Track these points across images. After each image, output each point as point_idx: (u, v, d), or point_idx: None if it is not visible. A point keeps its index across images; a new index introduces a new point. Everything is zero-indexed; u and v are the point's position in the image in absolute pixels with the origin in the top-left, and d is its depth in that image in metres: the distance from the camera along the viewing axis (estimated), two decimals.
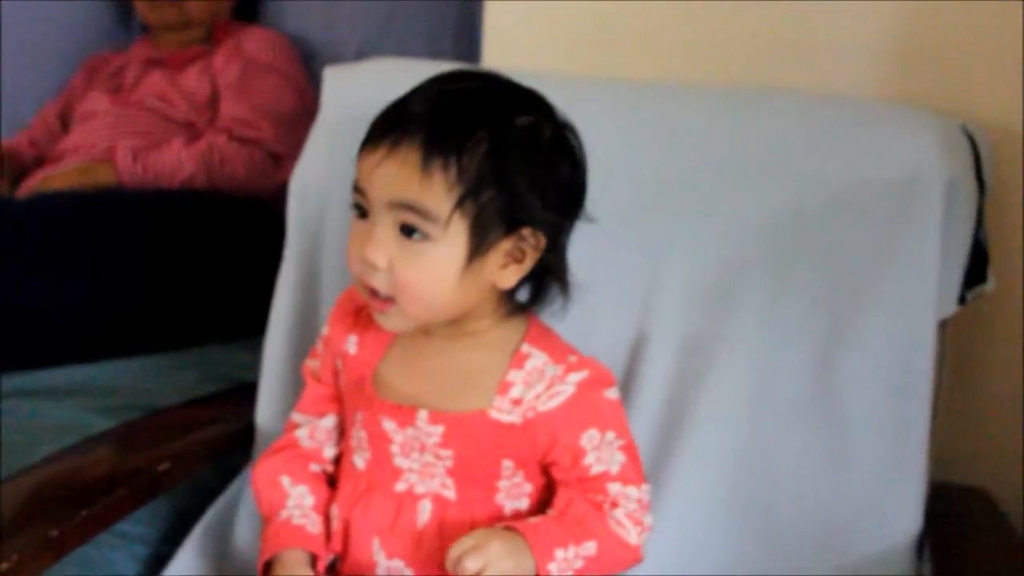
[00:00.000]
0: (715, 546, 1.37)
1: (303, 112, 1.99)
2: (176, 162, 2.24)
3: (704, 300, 1.39)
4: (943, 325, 1.38)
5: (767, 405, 1.37)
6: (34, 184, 2.33)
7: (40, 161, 2.51)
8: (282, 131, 2.24)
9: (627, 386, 1.39)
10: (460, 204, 1.11)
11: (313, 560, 1.24)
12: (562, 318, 1.24)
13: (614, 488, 1.20)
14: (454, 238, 1.13)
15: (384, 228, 1.13)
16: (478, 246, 1.14)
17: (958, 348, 1.47)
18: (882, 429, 1.35)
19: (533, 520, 1.17)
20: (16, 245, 1.95)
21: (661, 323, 1.40)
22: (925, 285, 1.34)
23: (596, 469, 1.20)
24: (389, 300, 1.16)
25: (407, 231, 1.12)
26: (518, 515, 1.21)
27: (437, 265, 1.13)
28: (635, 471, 1.22)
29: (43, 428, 1.66)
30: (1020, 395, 1.58)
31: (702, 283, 1.39)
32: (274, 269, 1.56)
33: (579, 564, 1.15)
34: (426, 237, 1.12)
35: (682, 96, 1.49)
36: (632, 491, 1.21)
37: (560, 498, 1.20)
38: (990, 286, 1.43)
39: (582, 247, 1.26)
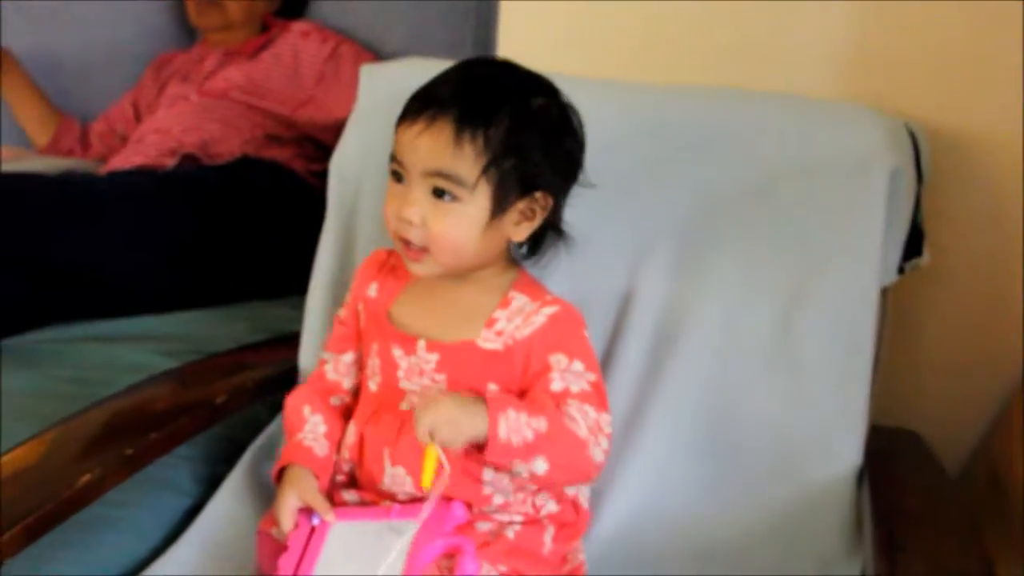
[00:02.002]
0: (689, 478, 1.37)
1: None
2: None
3: (682, 264, 1.38)
4: (885, 292, 1.37)
5: (734, 356, 1.36)
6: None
7: (121, 142, 2.51)
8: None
9: (614, 338, 1.38)
10: (486, 171, 1.15)
11: (316, 477, 1.26)
12: (571, 278, 1.28)
13: (573, 403, 1.18)
14: (479, 199, 1.16)
15: (419, 191, 1.17)
16: (499, 206, 1.17)
17: (897, 312, 1.46)
18: (831, 378, 1.34)
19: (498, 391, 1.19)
20: (100, 215, 1.94)
21: (646, 283, 1.39)
22: (870, 257, 1.34)
23: (557, 386, 1.20)
24: (423, 250, 1.19)
25: (439, 193, 1.16)
26: None
27: (465, 222, 1.17)
28: (597, 399, 1.20)
29: (118, 367, 1.66)
30: (946, 352, 1.58)
31: (682, 249, 1.38)
32: (315, 237, 1.55)
33: (529, 434, 1.13)
34: (455, 199, 1.16)
35: (669, 92, 1.48)
36: (590, 410, 1.18)
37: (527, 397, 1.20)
38: (925, 259, 1.42)
39: (584, 213, 1.28)
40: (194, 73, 2.48)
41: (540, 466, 1.15)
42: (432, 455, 1.12)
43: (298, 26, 2.48)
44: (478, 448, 1.14)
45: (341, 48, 2.41)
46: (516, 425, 1.13)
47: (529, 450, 1.13)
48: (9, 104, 2.55)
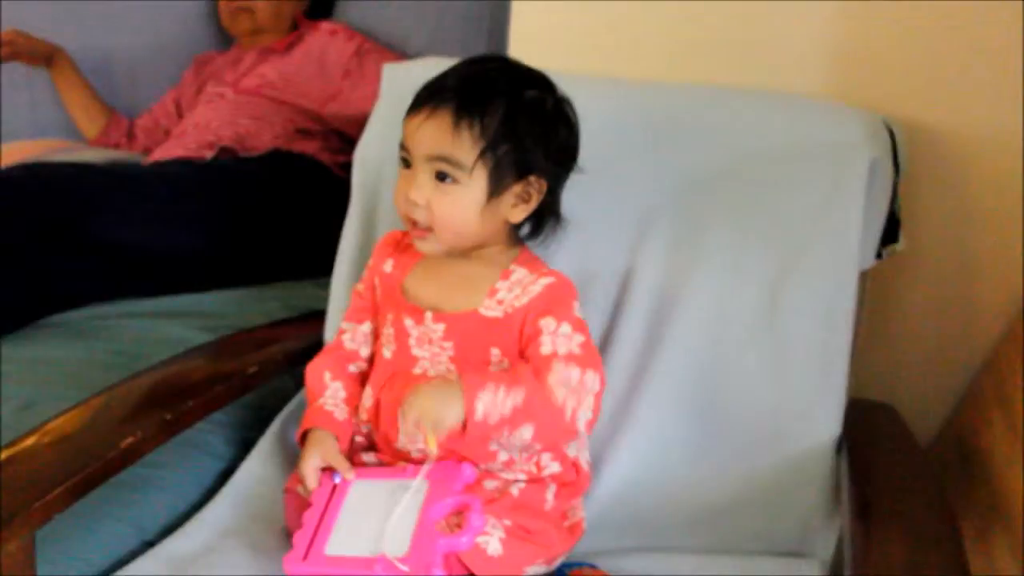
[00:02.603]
0: (682, 443, 1.37)
1: None
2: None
3: (677, 246, 1.39)
4: (863, 275, 1.38)
5: (724, 333, 1.36)
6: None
7: (165, 136, 2.52)
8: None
9: (616, 316, 1.39)
10: (482, 155, 1.18)
11: (337, 439, 1.28)
12: (573, 259, 1.29)
13: (557, 365, 1.19)
14: (477, 182, 1.19)
15: (423, 175, 1.20)
16: (495, 188, 1.20)
17: (874, 294, 1.47)
18: (813, 353, 1.35)
19: (478, 370, 1.19)
20: (145, 201, 1.96)
21: (643, 264, 1.39)
22: (850, 242, 1.34)
23: (544, 350, 1.21)
24: (428, 229, 1.22)
25: (441, 176, 1.19)
26: None
27: (464, 203, 1.20)
28: (585, 360, 1.20)
29: (159, 342, 1.68)
30: (919, 332, 1.58)
31: (676, 232, 1.39)
32: (340, 222, 1.57)
33: (507, 409, 1.14)
34: (455, 181, 1.19)
35: (663, 89, 1.49)
36: (574, 369, 1.19)
37: (509, 367, 1.21)
38: (901, 245, 1.43)
39: (586, 198, 1.31)
40: (230, 72, 2.49)
41: (525, 433, 1.17)
42: (431, 437, 1.15)
43: (326, 26, 2.49)
44: (463, 427, 1.15)
45: (365, 46, 2.42)
46: (493, 403, 1.14)
47: (508, 423, 1.15)
48: (63, 98, 2.57)
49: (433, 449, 1.15)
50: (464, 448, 1.21)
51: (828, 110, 1.43)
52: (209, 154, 2.24)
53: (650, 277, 1.39)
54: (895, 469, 1.32)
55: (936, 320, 1.57)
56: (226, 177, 2.12)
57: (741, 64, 1.55)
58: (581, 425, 1.19)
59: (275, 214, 2.11)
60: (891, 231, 1.40)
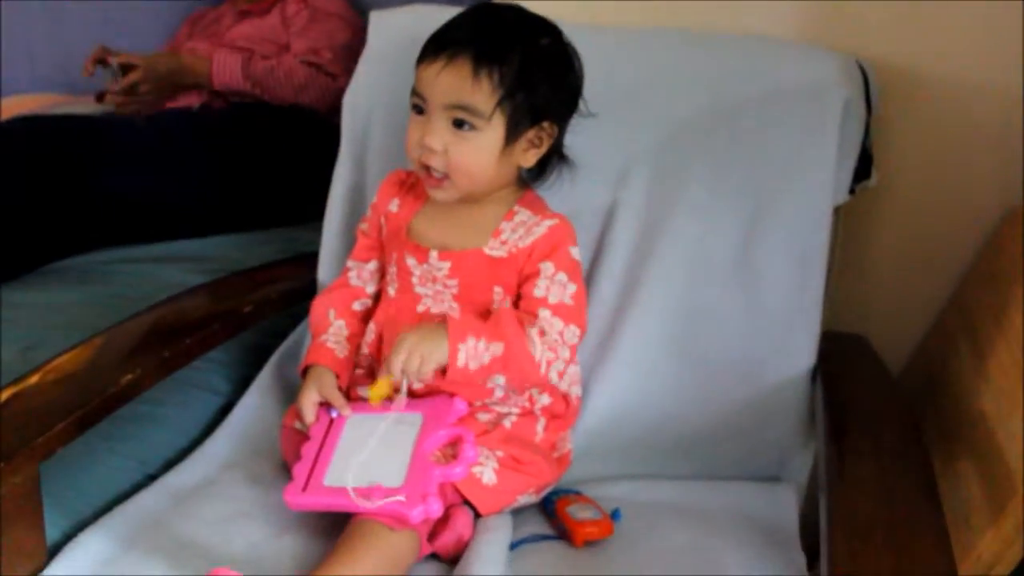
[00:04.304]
0: (661, 377, 1.36)
1: (356, 44, 1.93)
2: (254, 64, 2.20)
3: (657, 184, 1.37)
4: (837, 210, 1.37)
5: (704, 268, 1.35)
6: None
7: None
8: (337, 57, 2.19)
9: (599, 251, 1.38)
10: (500, 103, 1.17)
11: (336, 376, 1.27)
12: (560, 193, 1.29)
13: (544, 313, 1.20)
14: (495, 129, 1.18)
15: (440, 121, 1.18)
16: (511, 134, 1.19)
17: (847, 228, 1.46)
18: (789, 288, 1.34)
19: (465, 318, 1.19)
20: (140, 150, 1.94)
21: (627, 201, 1.38)
22: (824, 179, 1.33)
23: (537, 292, 1.22)
24: (444, 177, 1.20)
25: (458, 124, 1.18)
26: None
27: (482, 149, 1.18)
28: (571, 313, 1.22)
29: (159, 285, 1.66)
30: (891, 266, 1.57)
31: (657, 171, 1.38)
32: (331, 167, 1.54)
33: (486, 358, 1.15)
34: (473, 128, 1.18)
35: (645, 34, 1.46)
36: (557, 323, 1.20)
37: (495, 313, 1.20)
38: (873, 181, 1.42)
39: (571, 139, 1.29)
40: (213, 28, 2.46)
41: (498, 380, 1.18)
42: (386, 382, 1.17)
43: None
44: (442, 371, 1.15)
45: (317, 15, 2.39)
46: (475, 352, 1.15)
47: (485, 371, 1.16)
48: None
49: (376, 397, 1.19)
50: (452, 387, 1.21)
51: (802, 52, 1.41)
52: (196, 102, 2.21)
53: (631, 216, 1.38)
54: (867, 397, 1.32)
55: (906, 254, 1.56)
56: (219, 125, 2.10)
57: (716, 8, 1.52)
58: (553, 376, 1.21)
59: (265, 160, 2.08)
60: (863, 167, 1.38)
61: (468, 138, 1.17)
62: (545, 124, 1.21)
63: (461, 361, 1.14)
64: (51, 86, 2.58)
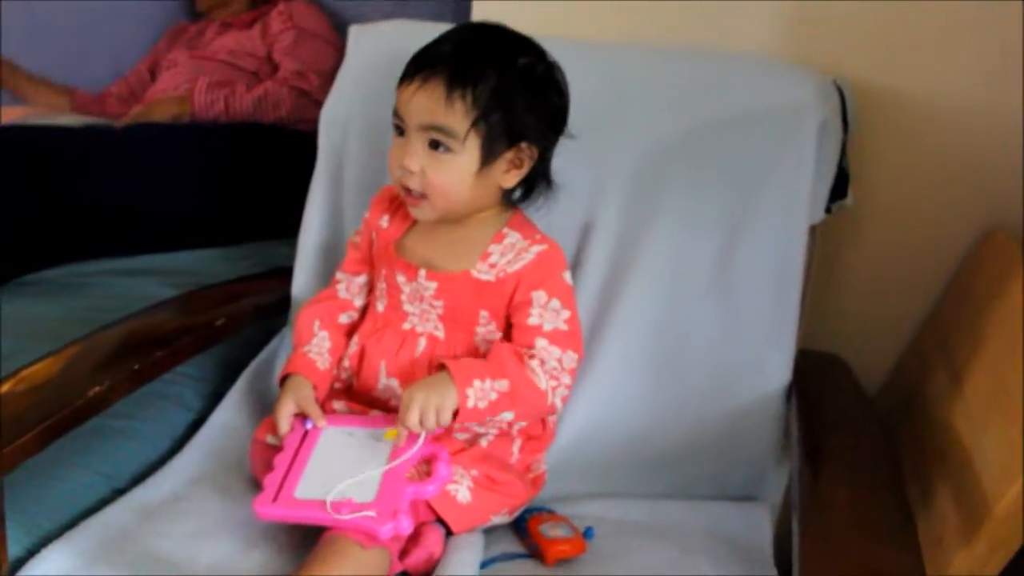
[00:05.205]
0: (636, 395, 1.36)
1: (339, 65, 1.96)
2: (238, 101, 2.21)
3: (634, 201, 1.37)
4: (813, 229, 1.36)
5: (680, 287, 1.35)
6: (132, 114, 2.30)
7: (139, 101, 2.47)
8: (325, 82, 2.19)
9: (575, 269, 1.37)
10: (475, 124, 1.15)
11: (315, 388, 1.27)
12: (546, 212, 1.27)
13: (540, 343, 1.20)
14: (470, 150, 1.16)
15: (417, 143, 1.17)
16: (488, 156, 1.17)
17: (824, 247, 1.45)
18: (765, 306, 1.34)
19: (463, 359, 1.18)
20: (116, 161, 1.93)
21: (603, 218, 1.37)
22: (801, 197, 1.33)
23: (531, 322, 1.21)
24: (422, 197, 1.19)
25: (434, 145, 1.16)
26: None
27: (457, 171, 1.17)
28: (567, 339, 1.21)
29: (133, 298, 1.62)
30: (867, 285, 1.57)
31: (634, 188, 1.37)
32: (307, 182, 1.53)
33: (494, 396, 1.15)
34: (449, 150, 1.16)
35: (622, 51, 1.46)
36: (555, 350, 1.20)
37: (492, 347, 1.20)
38: (849, 200, 1.42)
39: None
40: (196, 42, 2.47)
41: (506, 416, 1.17)
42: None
43: (284, 7, 2.44)
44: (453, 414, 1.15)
45: (302, 36, 2.39)
46: (482, 392, 1.14)
47: (494, 407, 1.15)
48: (23, 98, 2.51)
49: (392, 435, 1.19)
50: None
51: (780, 71, 1.40)
52: None
53: (607, 234, 1.37)
54: (842, 416, 1.32)
55: (882, 273, 1.56)
56: (196, 139, 2.10)
57: (694, 26, 1.53)
58: (559, 403, 1.20)
59: (241, 174, 2.07)
60: (840, 187, 1.38)
61: (444, 160, 1.16)
62: (524, 145, 1.19)
63: (471, 402, 1.14)
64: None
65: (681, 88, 1.38)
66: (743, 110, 1.35)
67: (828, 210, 1.38)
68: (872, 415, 1.33)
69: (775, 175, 1.33)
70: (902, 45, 1.46)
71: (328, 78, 2.16)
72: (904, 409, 1.45)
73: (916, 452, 1.36)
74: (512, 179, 1.21)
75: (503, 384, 1.15)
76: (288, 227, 1.61)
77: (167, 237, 1.94)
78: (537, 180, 1.25)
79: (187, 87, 2.27)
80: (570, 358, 1.21)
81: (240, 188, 2.05)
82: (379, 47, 1.47)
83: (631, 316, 1.35)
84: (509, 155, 1.19)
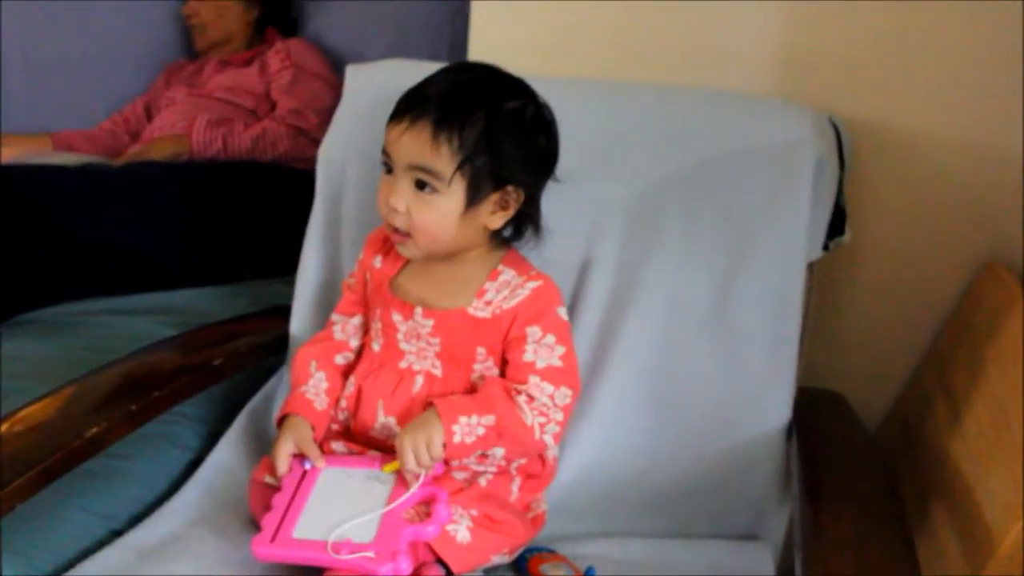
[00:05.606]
0: (636, 431, 1.36)
1: (337, 104, 1.97)
2: (236, 139, 2.22)
3: (632, 239, 1.37)
4: (811, 266, 1.36)
5: (678, 325, 1.35)
6: (130, 153, 2.31)
7: (134, 138, 2.49)
8: (323, 121, 2.20)
9: (573, 307, 1.37)
10: (460, 167, 1.14)
11: (313, 428, 1.26)
12: (538, 253, 1.28)
13: (533, 379, 1.20)
14: (455, 192, 1.16)
15: (403, 183, 1.17)
16: (473, 198, 1.17)
17: (822, 284, 1.46)
18: (764, 344, 1.33)
19: (451, 397, 1.19)
20: (113, 200, 1.93)
21: (600, 256, 1.37)
22: (798, 235, 1.33)
23: (526, 358, 1.21)
24: (407, 235, 1.19)
25: (420, 185, 1.16)
26: None
27: (442, 211, 1.17)
28: (561, 376, 1.21)
29: (129, 337, 1.63)
30: (866, 322, 1.58)
31: (631, 226, 1.37)
32: (305, 221, 1.53)
33: (481, 431, 1.15)
34: (434, 191, 1.16)
35: (619, 89, 1.46)
36: (547, 387, 1.20)
37: (483, 383, 1.21)
38: (847, 238, 1.42)
39: (545, 195, 1.27)
40: (194, 80, 2.48)
41: (497, 452, 1.18)
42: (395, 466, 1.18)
43: (281, 45, 2.48)
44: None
45: (300, 75, 2.41)
46: (468, 428, 1.15)
47: (482, 442, 1.15)
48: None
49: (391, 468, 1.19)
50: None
51: (775, 108, 1.41)
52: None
53: (605, 272, 1.37)
54: (843, 454, 1.31)
55: (881, 310, 1.56)
56: (194, 177, 2.10)
57: (691, 65, 1.54)
58: (549, 439, 1.20)
59: (238, 212, 2.08)
60: (837, 224, 1.38)
61: (429, 200, 1.16)
62: (510, 188, 1.19)
63: (457, 438, 1.14)
64: (18, 123, 2.54)
65: (678, 126, 1.39)
66: (739, 147, 1.35)
67: (826, 247, 1.38)
68: (873, 451, 1.33)
69: (772, 212, 1.33)
70: (897, 81, 1.47)
71: (326, 116, 2.19)
72: (905, 445, 1.45)
73: (917, 488, 1.35)
74: (498, 221, 1.21)
75: (489, 419, 1.15)
76: (286, 265, 1.61)
77: (164, 276, 1.93)
78: (525, 222, 1.25)
79: (185, 125, 2.28)
80: (563, 394, 1.20)
81: (238, 226, 2.06)
82: (376, 86, 1.48)
83: (630, 354, 1.35)
84: (495, 197, 1.19)
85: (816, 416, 1.38)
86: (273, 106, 2.36)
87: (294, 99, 2.31)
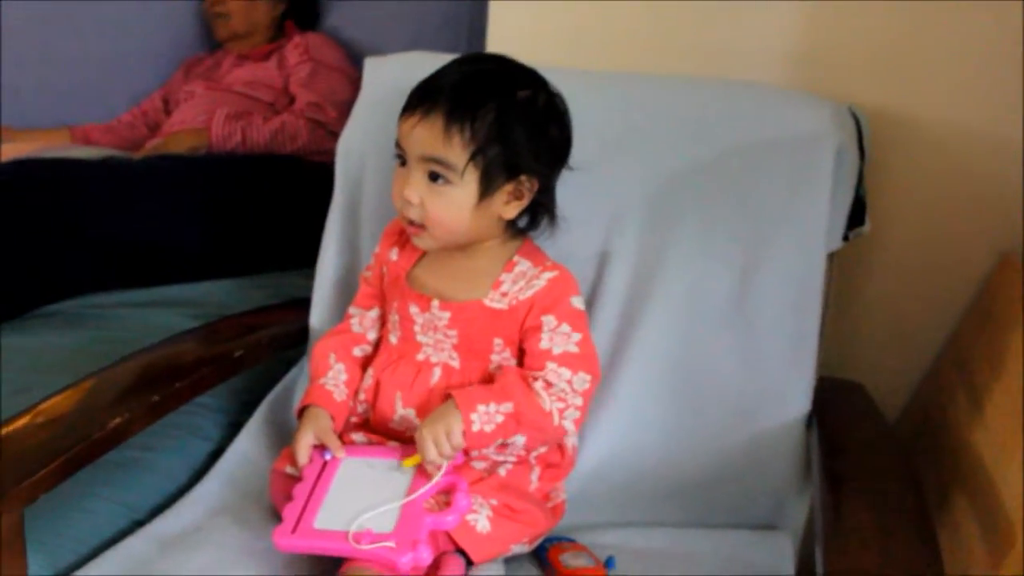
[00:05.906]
0: (656, 422, 1.36)
1: (355, 97, 1.98)
2: (255, 132, 2.23)
3: (651, 232, 1.36)
4: (831, 257, 1.36)
5: (698, 316, 1.35)
6: (149, 147, 2.32)
7: (153, 131, 2.50)
8: (341, 115, 2.20)
9: (592, 299, 1.37)
10: (473, 158, 1.15)
11: (332, 419, 1.27)
12: (552, 242, 1.28)
13: (550, 366, 1.20)
14: (468, 183, 1.16)
15: (417, 174, 1.18)
16: (486, 189, 1.17)
17: (842, 275, 1.45)
18: (784, 334, 1.33)
19: (469, 387, 1.19)
20: (133, 193, 1.94)
21: (619, 248, 1.37)
22: (818, 225, 1.32)
23: (542, 346, 1.21)
24: (422, 227, 1.19)
25: (433, 177, 1.17)
26: None
27: (456, 203, 1.17)
28: (579, 362, 1.20)
29: (151, 329, 1.64)
30: (886, 312, 1.57)
31: (650, 218, 1.37)
32: (324, 213, 1.53)
33: (500, 419, 1.15)
34: (447, 182, 1.16)
35: (639, 81, 1.46)
36: (565, 372, 1.19)
37: (500, 372, 1.21)
38: (867, 228, 1.41)
39: (565, 185, 1.27)
40: (213, 73, 2.48)
41: (519, 440, 1.18)
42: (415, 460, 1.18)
43: (299, 39, 2.48)
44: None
45: (319, 68, 2.42)
46: (487, 416, 1.15)
47: (501, 430, 1.15)
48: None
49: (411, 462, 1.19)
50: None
51: (796, 99, 1.40)
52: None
53: (624, 264, 1.37)
54: (863, 443, 1.31)
55: (901, 299, 1.56)
56: (214, 170, 2.10)
57: (711, 57, 1.54)
58: (569, 425, 1.20)
59: (259, 205, 2.08)
60: (857, 214, 1.38)
61: (442, 192, 1.17)
62: (523, 178, 1.19)
63: (476, 426, 1.14)
64: (36, 120, 2.56)
65: (696, 117, 1.39)
66: (759, 139, 1.35)
67: (846, 238, 1.37)
68: (893, 442, 1.32)
69: (792, 203, 1.32)
70: (917, 71, 1.47)
71: (344, 110, 2.19)
72: (926, 436, 1.45)
73: (938, 478, 1.35)
74: (512, 210, 1.22)
75: (508, 407, 1.15)
76: (305, 258, 1.61)
77: (184, 268, 1.94)
78: (540, 211, 1.25)
79: (204, 119, 2.29)
80: (581, 379, 1.20)
81: (257, 219, 2.06)
82: (395, 79, 1.46)
83: (649, 345, 1.35)
84: (508, 187, 1.19)
85: (836, 406, 1.37)
86: (292, 100, 2.37)
87: (313, 92, 2.31)
